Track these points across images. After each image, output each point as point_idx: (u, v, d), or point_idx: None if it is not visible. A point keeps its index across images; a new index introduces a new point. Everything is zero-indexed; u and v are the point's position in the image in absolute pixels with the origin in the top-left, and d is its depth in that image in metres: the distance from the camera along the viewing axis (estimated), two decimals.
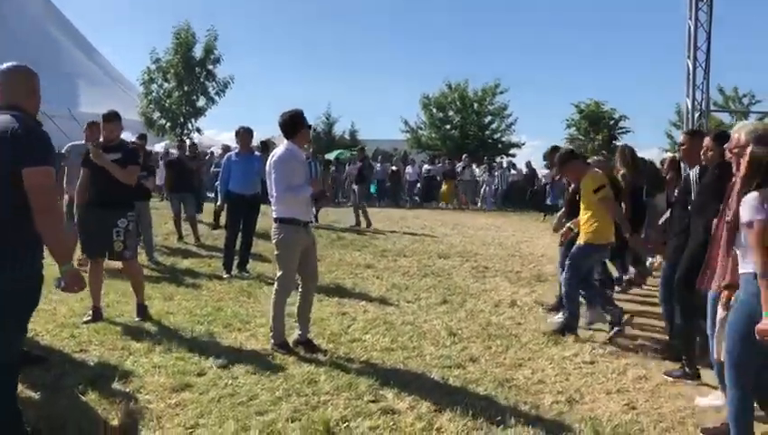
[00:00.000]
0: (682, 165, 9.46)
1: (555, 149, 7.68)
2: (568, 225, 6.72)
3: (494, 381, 4.68)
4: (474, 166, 24.98)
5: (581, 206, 6.22)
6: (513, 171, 26.22)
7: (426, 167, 25.44)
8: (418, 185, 24.92)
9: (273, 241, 5.23)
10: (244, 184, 8.56)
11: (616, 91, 71.53)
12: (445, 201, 23.67)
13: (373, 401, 4.19)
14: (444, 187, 23.67)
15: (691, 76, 9.23)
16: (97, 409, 3.89)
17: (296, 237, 5.21)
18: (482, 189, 24.33)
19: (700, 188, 4.90)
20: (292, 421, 3.82)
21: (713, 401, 4.35)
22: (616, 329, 6.00)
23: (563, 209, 7.31)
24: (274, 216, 5.24)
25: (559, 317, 6.56)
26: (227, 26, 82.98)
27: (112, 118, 6.20)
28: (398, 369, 4.91)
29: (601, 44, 73.47)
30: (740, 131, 3.77)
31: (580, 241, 6.16)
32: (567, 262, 6.22)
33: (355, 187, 16.14)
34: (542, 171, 23.83)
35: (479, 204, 24.07)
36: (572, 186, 6.89)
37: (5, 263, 2.96)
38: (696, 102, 9.28)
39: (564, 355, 5.41)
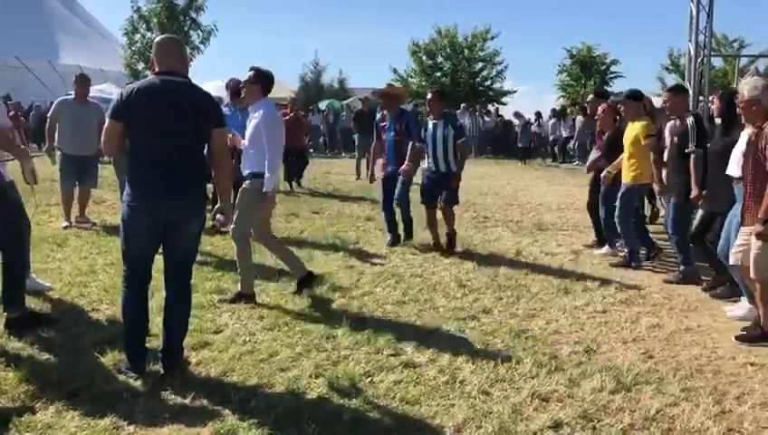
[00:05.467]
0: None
1: (599, 95, 8.26)
2: (608, 169, 7.05)
3: (510, 332, 4.69)
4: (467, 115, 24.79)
5: (627, 148, 6.68)
6: (486, 118, 25.90)
7: None
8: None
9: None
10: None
11: (605, 35, 70.88)
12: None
13: (393, 355, 4.19)
14: None
15: (694, 21, 9.08)
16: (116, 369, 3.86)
17: None
18: None
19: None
20: (316, 377, 3.81)
21: (740, 310, 5.19)
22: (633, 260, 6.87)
23: (597, 152, 7.68)
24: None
25: (606, 250, 7.42)
26: None
27: None
28: (412, 322, 4.91)
29: None
30: (743, 89, 4.68)
31: (627, 181, 6.74)
32: (618, 202, 6.79)
33: (355, 137, 15.87)
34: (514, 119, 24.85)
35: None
36: (611, 129, 7.28)
37: (198, 190, 3.84)
38: (698, 47, 9.14)
39: (576, 305, 5.44)
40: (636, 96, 6.86)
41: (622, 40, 69.87)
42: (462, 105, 25.52)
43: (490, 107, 29.11)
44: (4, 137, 4.50)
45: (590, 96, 8.89)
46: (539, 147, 23.99)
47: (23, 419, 3.21)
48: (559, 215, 10.44)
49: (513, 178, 16.58)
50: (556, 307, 5.38)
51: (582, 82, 28.86)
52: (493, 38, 30.59)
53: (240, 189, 5.24)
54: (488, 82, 31.23)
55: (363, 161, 14.67)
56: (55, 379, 3.67)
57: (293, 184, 12.88)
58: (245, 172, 5.26)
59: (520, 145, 22.18)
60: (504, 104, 30.82)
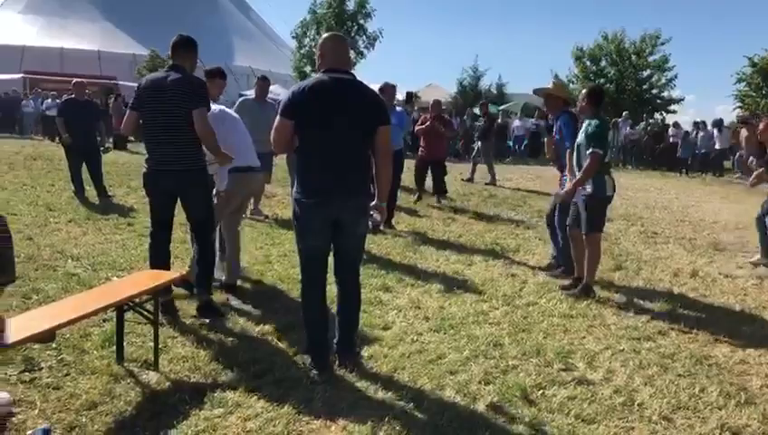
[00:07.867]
0: None
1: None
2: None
3: (691, 357, 4.39)
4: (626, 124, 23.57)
5: None
6: (629, 130, 24.18)
7: (531, 121, 24.43)
8: (525, 140, 24.43)
9: None
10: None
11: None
12: (547, 157, 22.78)
13: (564, 370, 4.07)
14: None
15: None
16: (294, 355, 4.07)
17: None
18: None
19: None
20: (485, 384, 3.78)
21: None
22: None
23: (762, 168, 7.32)
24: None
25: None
26: None
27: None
28: (582, 337, 4.73)
29: None
30: None
31: None
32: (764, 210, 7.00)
33: (478, 143, 15.62)
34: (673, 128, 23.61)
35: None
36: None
37: (365, 189, 3.80)
38: None
39: (764, 334, 4.98)
40: None
41: None
42: (624, 113, 24.34)
43: (657, 115, 27.54)
44: (212, 141, 4.68)
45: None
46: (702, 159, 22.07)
47: (215, 394, 3.47)
48: (738, 235, 9.59)
49: (681, 192, 15.52)
50: (741, 335, 4.94)
51: (764, 92, 26.49)
52: (663, 43, 29.05)
53: None
54: (655, 90, 29.66)
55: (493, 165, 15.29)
56: (241, 360, 3.93)
57: (437, 199, 11.45)
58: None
59: (680, 156, 21.24)
60: (673, 112, 29.14)
